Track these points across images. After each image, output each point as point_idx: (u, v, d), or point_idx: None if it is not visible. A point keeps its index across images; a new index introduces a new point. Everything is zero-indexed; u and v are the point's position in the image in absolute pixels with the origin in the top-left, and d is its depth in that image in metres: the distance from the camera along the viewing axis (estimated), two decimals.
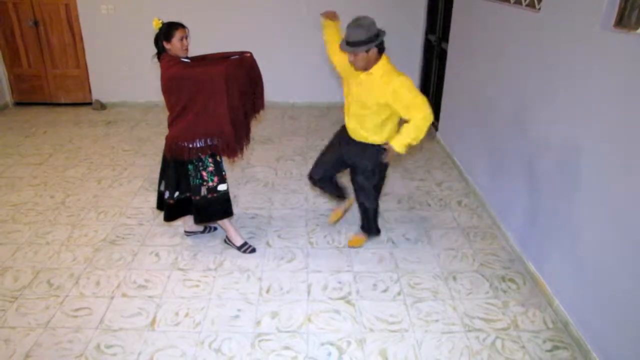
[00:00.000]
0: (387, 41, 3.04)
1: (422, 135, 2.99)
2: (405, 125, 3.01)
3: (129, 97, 7.23)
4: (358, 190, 3.54)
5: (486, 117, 4.31)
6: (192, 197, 3.44)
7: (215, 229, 3.92)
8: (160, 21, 3.18)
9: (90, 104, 7.21)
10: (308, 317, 3.02)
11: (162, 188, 3.52)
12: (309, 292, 3.24)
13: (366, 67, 2.99)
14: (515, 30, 3.76)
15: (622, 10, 2.61)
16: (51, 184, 4.71)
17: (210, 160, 3.34)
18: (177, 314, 3.03)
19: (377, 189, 3.52)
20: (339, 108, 7.13)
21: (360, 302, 3.16)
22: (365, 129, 3.22)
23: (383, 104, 3.02)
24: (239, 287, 3.29)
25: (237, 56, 3.33)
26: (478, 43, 4.58)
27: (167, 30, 3.14)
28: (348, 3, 6.75)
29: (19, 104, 7.19)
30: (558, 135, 3.08)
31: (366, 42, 2.85)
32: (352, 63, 2.98)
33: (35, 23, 6.73)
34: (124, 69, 7.01)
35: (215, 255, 3.62)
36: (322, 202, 4.41)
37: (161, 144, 3.40)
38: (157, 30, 3.19)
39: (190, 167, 3.35)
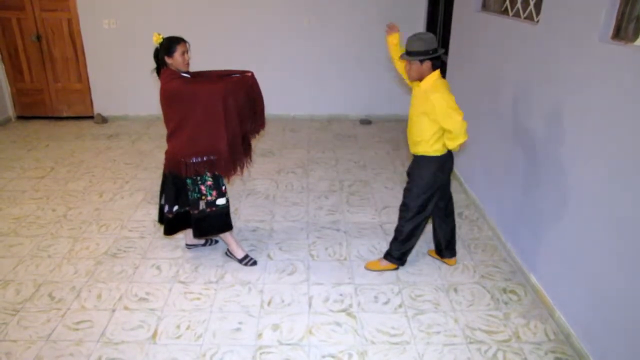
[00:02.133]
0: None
1: (451, 146, 3.14)
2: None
3: (130, 110, 7.27)
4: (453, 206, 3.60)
5: (486, 128, 4.32)
6: (190, 211, 3.46)
7: (216, 241, 3.93)
8: (161, 36, 3.20)
9: (92, 117, 7.25)
10: (309, 330, 3.02)
11: (163, 202, 3.53)
12: (310, 305, 3.24)
13: (419, 78, 3.12)
14: (514, 43, 3.79)
15: (619, 22, 2.65)
16: (53, 197, 4.72)
17: (209, 174, 3.36)
18: (178, 326, 3.03)
19: None
20: (340, 120, 7.23)
21: (362, 314, 3.16)
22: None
23: (423, 112, 3.11)
24: (240, 299, 3.29)
25: (237, 75, 3.36)
26: (477, 55, 4.61)
27: (169, 45, 3.17)
28: (348, 17, 6.84)
29: (21, 117, 7.23)
30: (557, 145, 3.10)
31: (422, 53, 3.01)
32: (407, 72, 3.16)
33: (38, 38, 6.79)
34: (124, 83, 7.05)
35: (217, 268, 3.62)
36: (323, 215, 4.42)
37: (162, 157, 3.42)
38: (157, 45, 3.22)
39: (188, 181, 3.36)
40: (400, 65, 3.38)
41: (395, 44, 3.51)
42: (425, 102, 3.05)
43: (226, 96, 3.17)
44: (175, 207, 3.50)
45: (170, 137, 3.31)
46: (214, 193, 3.40)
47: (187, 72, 3.28)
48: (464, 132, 3.04)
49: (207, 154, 3.26)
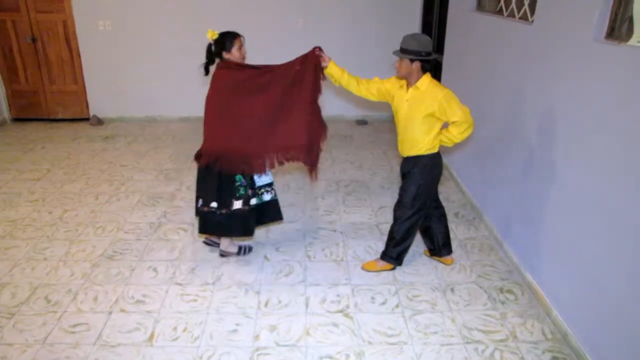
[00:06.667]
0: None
1: (461, 138, 3.20)
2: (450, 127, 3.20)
3: (126, 112, 7.25)
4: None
5: (481, 128, 4.32)
6: (243, 207, 3.40)
7: (250, 249, 3.81)
8: (216, 32, 3.26)
9: (87, 119, 7.23)
10: (306, 331, 3.02)
11: (202, 201, 3.42)
12: (307, 306, 3.24)
13: (406, 77, 3.15)
14: (508, 43, 3.80)
15: (612, 22, 2.66)
16: (49, 199, 4.71)
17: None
18: (175, 328, 3.02)
19: None
20: (336, 121, 7.23)
21: (359, 315, 3.16)
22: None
23: (429, 114, 3.12)
24: (237, 301, 3.28)
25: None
26: (472, 55, 4.62)
27: (227, 40, 3.24)
28: (343, 18, 6.84)
29: (16, 119, 7.21)
30: (553, 144, 3.10)
31: (412, 53, 3.02)
32: (397, 68, 3.16)
33: (33, 39, 6.77)
34: (120, 85, 7.04)
35: (213, 269, 3.62)
36: (320, 216, 4.42)
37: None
38: (211, 41, 3.28)
39: (238, 177, 3.33)
40: (362, 90, 3.47)
41: (337, 72, 3.51)
42: (431, 102, 3.07)
43: (318, 75, 3.27)
44: (214, 204, 3.39)
45: (216, 131, 3.23)
46: (250, 192, 3.40)
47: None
48: (472, 122, 3.13)
49: (283, 148, 3.22)
